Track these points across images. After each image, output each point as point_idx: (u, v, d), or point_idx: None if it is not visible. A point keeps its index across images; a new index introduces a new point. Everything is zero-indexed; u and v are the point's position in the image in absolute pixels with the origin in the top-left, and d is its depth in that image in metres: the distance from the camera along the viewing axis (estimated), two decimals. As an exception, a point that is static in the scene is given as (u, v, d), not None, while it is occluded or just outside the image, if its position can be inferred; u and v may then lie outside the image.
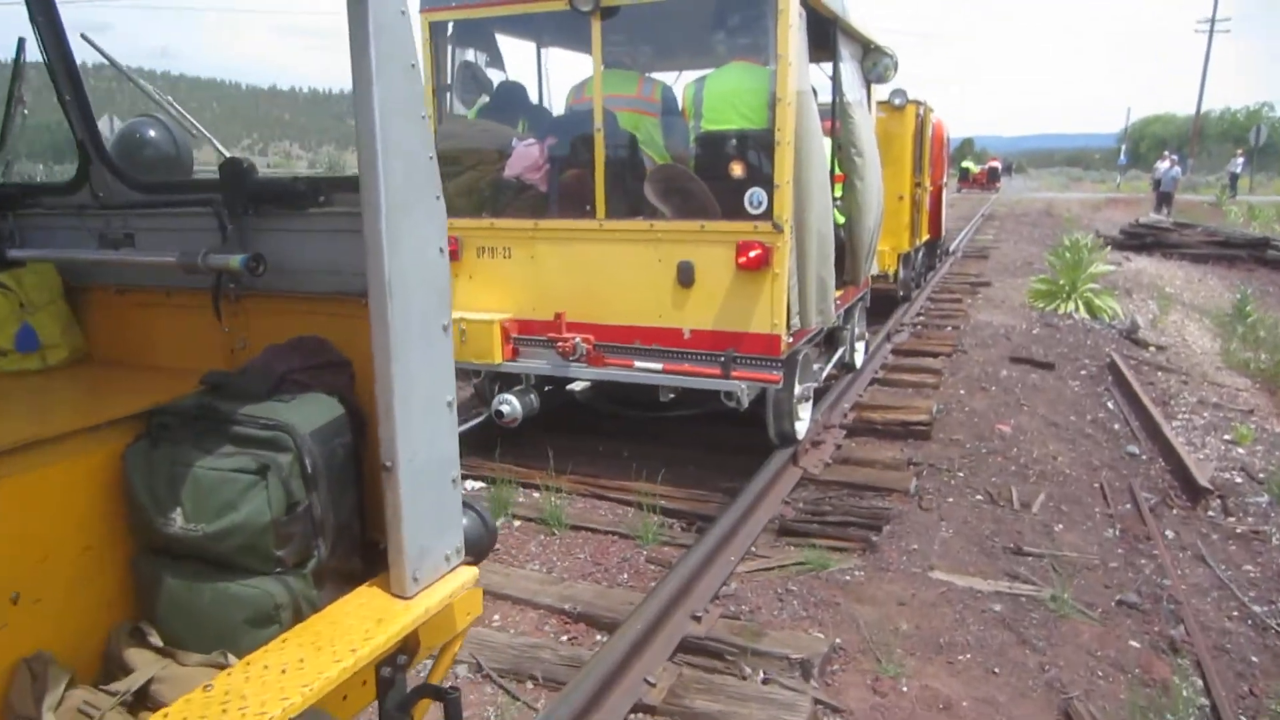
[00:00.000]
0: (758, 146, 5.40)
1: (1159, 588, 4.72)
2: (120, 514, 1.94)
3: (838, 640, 3.82)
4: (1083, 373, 9.14)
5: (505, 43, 6.48)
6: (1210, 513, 5.91)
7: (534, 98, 6.64)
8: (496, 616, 4.09)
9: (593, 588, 4.36)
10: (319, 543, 1.87)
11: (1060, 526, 5.29)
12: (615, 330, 5.58)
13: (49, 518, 1.85)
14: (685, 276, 5.36)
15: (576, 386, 6.76)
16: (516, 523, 5.19)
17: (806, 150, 5.28)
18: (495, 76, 6.38)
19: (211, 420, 1.86)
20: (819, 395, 6.92)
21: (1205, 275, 18.39)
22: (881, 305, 11.31)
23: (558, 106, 6.47)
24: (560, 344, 5.54)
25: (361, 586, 1.87)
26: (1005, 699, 3.54)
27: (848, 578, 4.43)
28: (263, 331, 2.18)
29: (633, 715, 3.28)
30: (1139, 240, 21.27)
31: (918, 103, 11.78)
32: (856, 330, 8.20)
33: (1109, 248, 18.23)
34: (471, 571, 1.99)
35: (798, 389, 5.87)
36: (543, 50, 6.90)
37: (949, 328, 11.03)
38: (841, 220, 6.81)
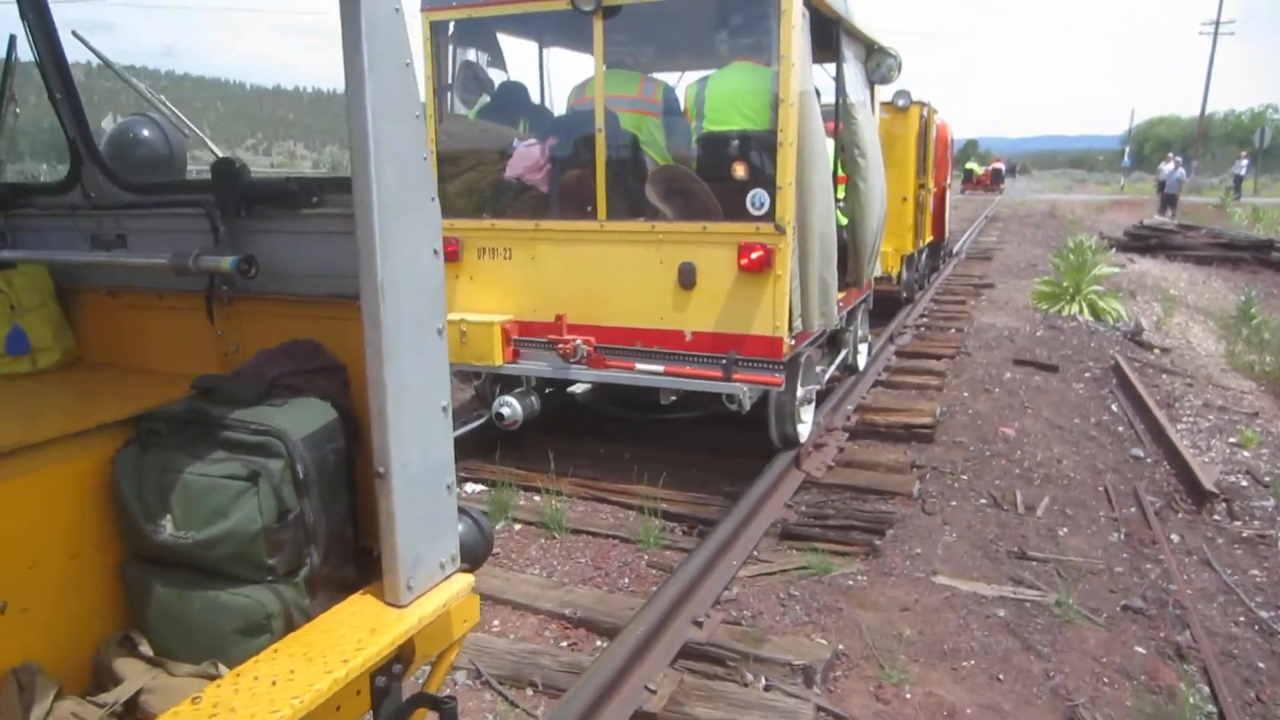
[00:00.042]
0: (760, 147, 5.37)
1: (1165, 593, 4.68)
2: (110, 521, 1.90)
3: (840, 646, 3.78)
4: (1087, 375, 9.09)
5: (507, 42, 6.45)
6: (1216, 516, 5.87)
7: (535, 98, 6.61)
8: (496, 622, 4.06)
9: (593, 592, 4.32)
10: (311, 550, 1.83)
11: (1065, 530, 5.24)
12: (616, 332, 5.55)
13: (37, 524, 1.82)
14: (687, 278, 5.32)
15: (578, 388, 6.73)
16: (517, 526, 5.16)
17: (809, 151, 5.25)
18: (496, 76, 6.34)
19: (202, 425, 1.83)
20: (822, 397, 6.88)
21: (1209, 277, 18.34)
22: (885, 307, 11.27)
23: (559, 107, 6.44)
24: (561, 346, 5.51)
25: (355, 595, 1.84)
26: (1010, 706, 3.50)
27: (850, 582, 4.39)
28: (256, 335, 2.15)
29: (633, 722, 3.24)
30: (1143, 242, 21.22)
31: (922, 104, 11.74)
32: (859, 332, 8.17)
33: (1113, 249, 18.17)
34: (467, 579, 1.96)
35: (800, 391, 5.84)
36: (544, 50, 6.87)
37: (952, 329, 11.00)
38: (844, 222, 6.77)
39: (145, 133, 2.38)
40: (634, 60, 6.44)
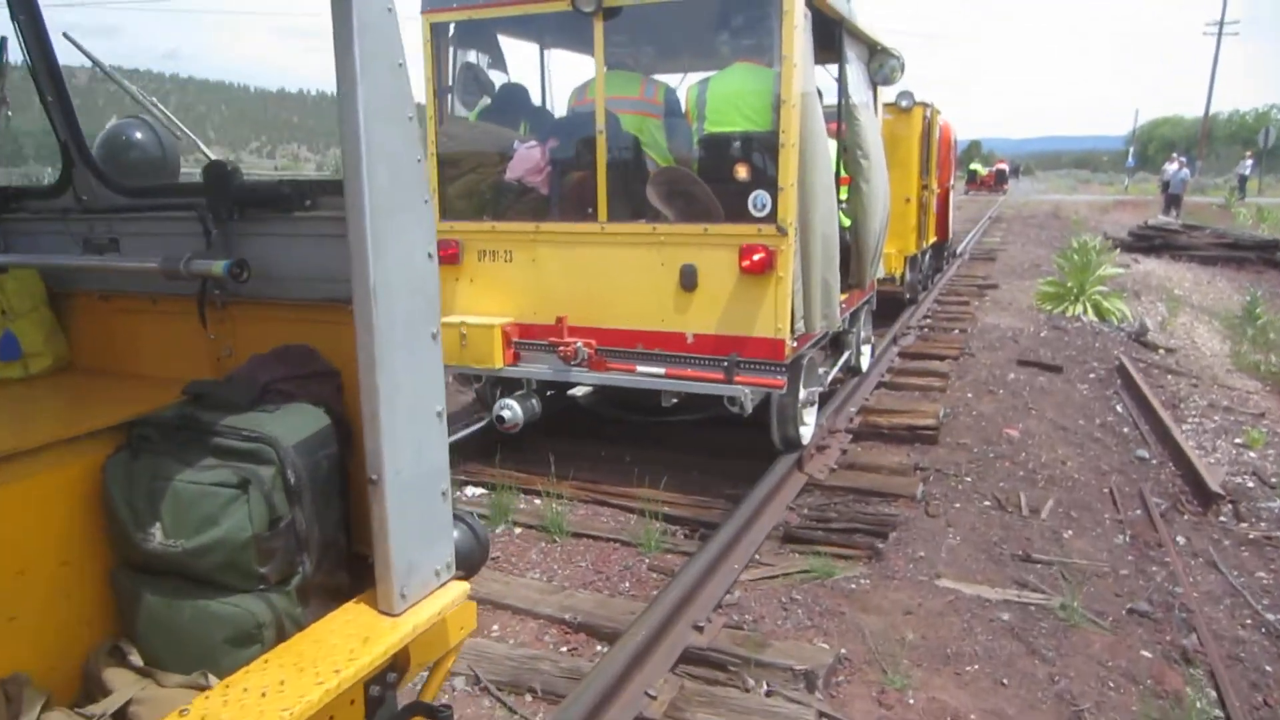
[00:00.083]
0: (762, 149, 5.34)
1: (1171, 596, 4.64)
2: (100, 528, 1.88)
3: (843, 651, 3.75)
4: (1091, 376, 9.05)
5: (507, 44, 6.43)
6: (1222, 518, 5.84)
7: (536, 100, 6.59)
8: (496, 627, 4.03)
9: (594, 597, 4.29)
10: (303, 558, 1.81)
11: (1069, 533, 5.21)
12: (617, 334, 5.52)
13: (26, 531, 1.79)
14: (688, 280, 5.30)
15: (579, 391, 6.71)
16: (517, 530, 5.13)
17: (811, 152, 5.22)
18: (497, 78, 6.33)
19: (193, 431, 1.80)
20: (825, 399, 6.85)
21: (1214, 277, 18.29)
22: (888, 308, 11.25)
23: (560, 108, 6.42)
24: (562, 348, 5.48)
25: (348, 603, 1.81)
26: (1014, 711, 3.47)
27: (853, 586, 4.36)
28: (250, 339, 2.12)
29: (633, 729, 3.22)
30: (1147, 242, 21.18)
31: (925, 104, 11.71)
32: (862, 334, 8.14)
33: (1117, 250, 18.11)
34: (463, 586, 1.93)
35: (802, 394, 5.81)
36: (545, 52, 6.85)
37: (956, 330, 10.96)
38: (847, 223, 6.75)
39: (138, 135, 2.35)
40: (635, 61, 6.41)
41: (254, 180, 2.06)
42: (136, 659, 1.84)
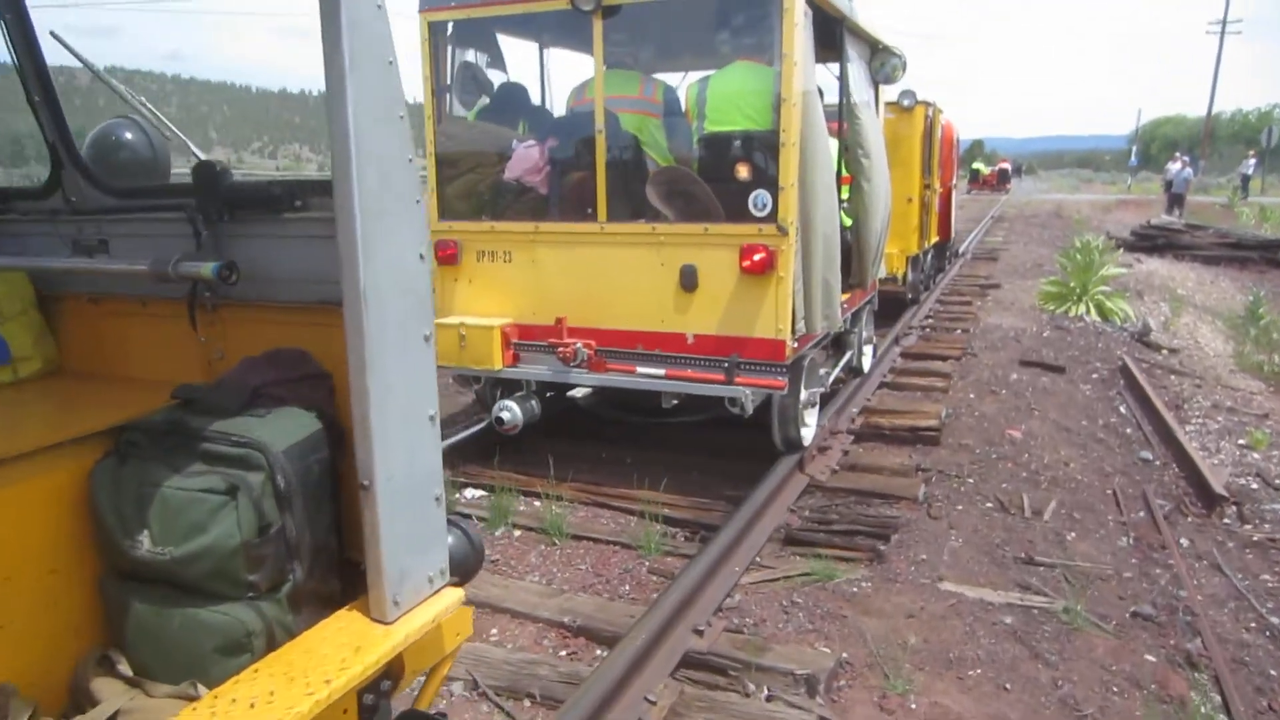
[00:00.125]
0: (762, 148, 5.31)
1: (1174, 599, 4.61)
2: (89, 535, 1.85)
3: (844, 655, 3.72)
4: (1094, 376, 9.01)
5: (506, 43, 6.40)
6: (1226, 520, 5.80)
7: (535, 99, 6.56)
8: (494, 630, 4.00)
9: (593, 600, 4.26)
10: (294, 565, 1.77)
11: (1073, 535, 5.17)
12: (617, 335, 5.49)
13: (13, 539, 1.76)
14: (688, 280, 5.26)
15: (578, 392, 6.68)
16: (517, 532, 5.10)
17: (812, 151, 5.19)
18: (496, 77, 6.29)
19: (181, 437, 1.77)
20: (826, 400, 6.82)
21: (1217, 277, 18.24)
22: (890, 308, 11.21)
23: (559, 108, 6.39)
24: (561, 349, 5.45)
25: (340, 611, 1.78)
26: (1017, 716, 3.44)
27: (855, 589, 4.33)
28: (241, 342, 2.09)
29: (632, 735, 3.19)
30: (1150, 242, 21.14)
31: (927, 104, 11.68)
32: (864, 334, 8.10)
33: (1120, 249, 18.09)
34: (457, 593, 1.90)
35: (803, 394, 5.77)
36: (544, 51, 6.82)
37: (958, 331, 10.93)
38: (848, 223, 6.71)
39: (128, 136, 2.32)
40: (634, 60, 6.39)
41: (243, 181, 2.03)
42: (126, 668, 1.80)
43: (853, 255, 6.76)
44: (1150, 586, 4.71)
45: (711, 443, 6.31)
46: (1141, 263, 18.65)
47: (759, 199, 5.10)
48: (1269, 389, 9.92)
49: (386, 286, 1.65)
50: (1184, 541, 5.39)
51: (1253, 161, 39.67)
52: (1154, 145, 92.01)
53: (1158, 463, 6.77)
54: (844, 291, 6.13)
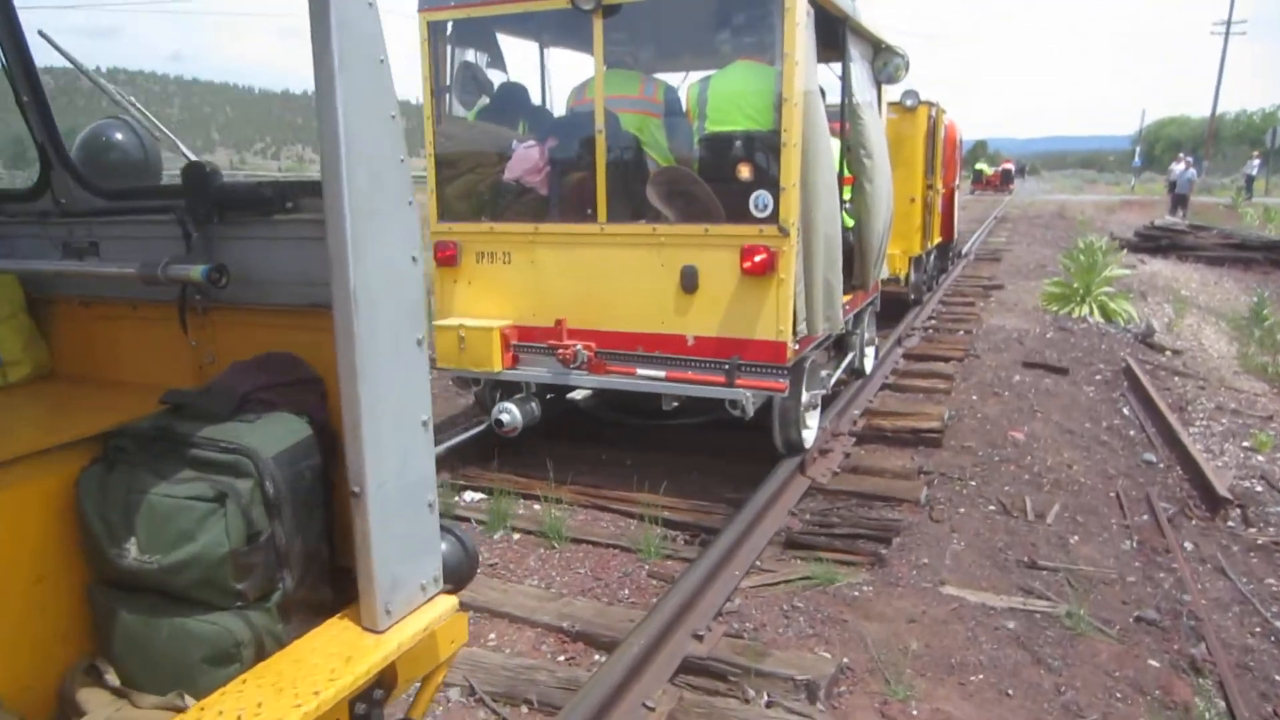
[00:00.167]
0: (764, 148, 5.28)
1: (1179, 603, 4.57)
2: (76, 543, 1.82)
3: (845, 660, 3.68)
4: (1097, 378, 8.98)
5: (506, 43, 6.37)
6: (1230, 523, 5.77)
7: (535, 99, 6.53)
8: (493, 635, 3.97)
9: (592, 604, 4.22)
10: (284, 574, 1.74)
11: (1076, 538, 5.14)
12: (617, 337, 5.46)
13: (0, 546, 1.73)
14: (689, 282, 5.23)
15: (578, 394, 6.65)
16: (516, 536, 5.07)
17: (814, 152, 5.16)
18: (496, 77, 6.26)
19: (169, 443, 1.74)
20: (828, 401, 6.79)
21: (1221, 278, 18.20)
22: (892, 309, 11.18)
23: (559, 108, 6.36)
24: (561, 351, 5.43)
25: (331, 619, 1.76)
26: (1019, 723, 3.40)
27: (856, 593, 4.30)
28: (233, 345, 2.07)
29: (630, 741, 3.16)
30: (1154, 243, 21.11)
31: (930, 104, 11.65)
32: (866, 335, 8.06)
33: (1124, 250, 18.06)
34: (450, 601, 1.87)
35: (805, 397, 5.74)
36: (544, 50, 6.80)
37: (961, 332, 10.89)
38: (850, 224, 6.68)
39: (118, 137, 2.29)
40: (635, 60, 6.36)
41: (233, 181, 2.00)
42: (113, 678, 1.78)
43: (855, 256, 6.73)
44: (1154, 591, 4.67)
45: (712, 445, 6.28)
46: (1145, 264, 18.63)
47: (760, 200, 5.06)
48: (1273, 391, 9.88)
49: (377, 289, 1.62)
50: (1188, 545, 5.35)
51: (1257, 162, 39.60)
52: (1158, 146, 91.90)
53: (1161, 465, 6.73)
54: (846, 293, 6.09)
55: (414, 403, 1.76)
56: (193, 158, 2.03)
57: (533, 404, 5.77)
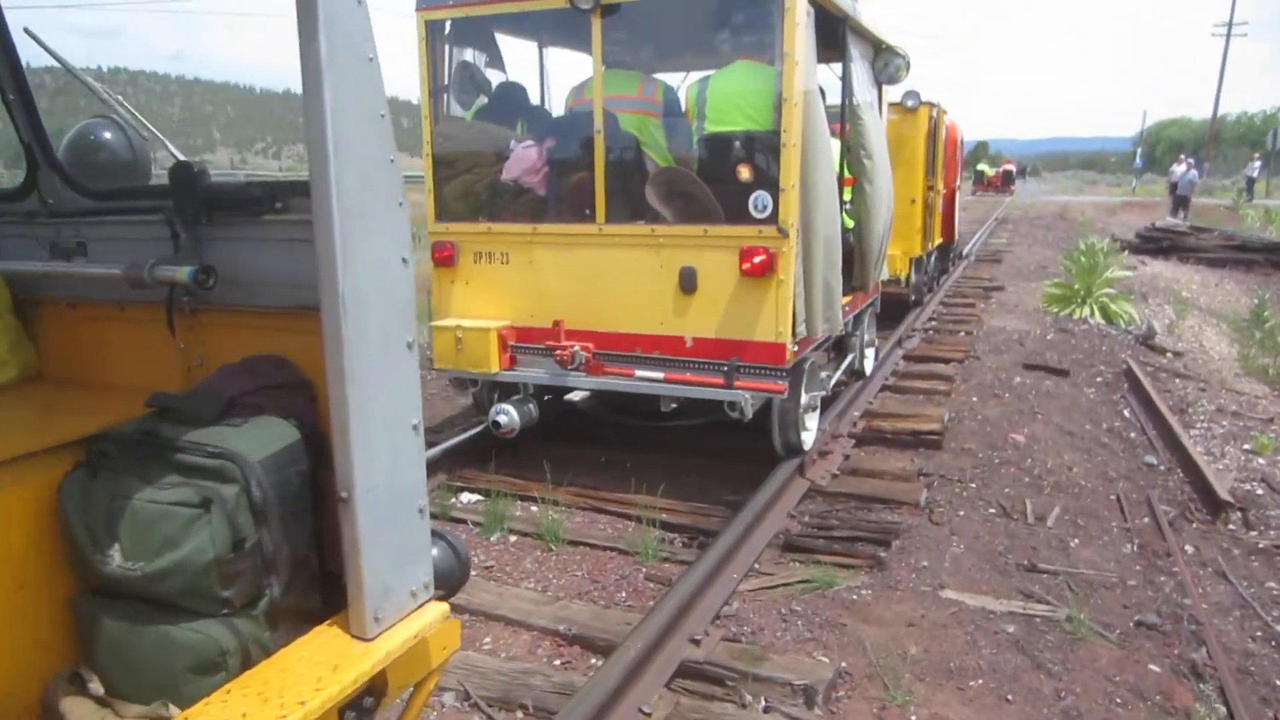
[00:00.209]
0: (763, 148, 5.25)
1: (1179, 607, 4.54)
2: (59, 550, 1.79)
3: (843, 664, 3.66)
4: (1098, 379, 8.94)
5: (504, 42, 6.34)
6: (1231, 526, 5.74)
7: (534, 99, 6.50)
8: (488, 639, 3.94)
9: (589, 608, 4.20)
10: (271, 581, 1.71)
11: (1076, 541, 5.11)
12: (615, 338, 5.44)
13: None
14: (687, 283, 5.21)
15: (576, 395, 6.62)
16: (513, 538, 5.04)
17: (813, 152, 5.13)
18: (494, 77, 6.23)
19: (154, 448, 1.71)
20: (827, 403, 6.76)
21: (1222, 280, 18.16)
22: (893, 310, 11.15)
23: (558, 108, 6.33)
24: (559, 352, 5.40)
25: (319, 627, 1.73)
26: (1019, 729, 3.37)
27: (854, 597, 4.27)
28: (222, 348, 2.04)
29: (626, 747, 3.13)
30: (1155, 244, 21.08)
31: (931, 104, 11.62)
32: (866, 336, 8.03)
33: (1125, 252, 18.03)
34: (441, 608, 1.84)
35: (804, 398, 5.71)
36: (543, 50, 6.77)
37: (961, 333, 10.86)
38: (850, 224, 6.65)
39: (106, 136, 2.26)
40: (634, 60, 6.33)
41: (222, 181, 1.97)
42: (97, 687, 1.75)
43: (855, 257, 6.70)
44: (1155, 594, 4.64)
45: (710, 446, 6.25)
46: (1146, 265, 18.59)
47: (759, 200, 5.04)
48: (1274, 393, 9.85)
49: (367, 291, 1.59)
50: (1189, 548, 5.32)
51: (1258, 164, 39.59)
52: (1159, 147, 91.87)
53: (1162, 468, 6.70)
54: (845, 294, 6.07)
55: (404, 406, 1.73)
56: (181, 157, 2.01)
57: (530, 405, 5.75)
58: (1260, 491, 6.34)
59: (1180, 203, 30.90)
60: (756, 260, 5.01)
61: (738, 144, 5.39)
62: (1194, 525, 5.73)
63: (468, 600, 4.15)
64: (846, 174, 6.50)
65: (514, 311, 5.68)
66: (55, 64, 2.30)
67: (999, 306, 13.03)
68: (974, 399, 7.68)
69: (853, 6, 5.95)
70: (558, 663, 3.78)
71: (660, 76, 6.16)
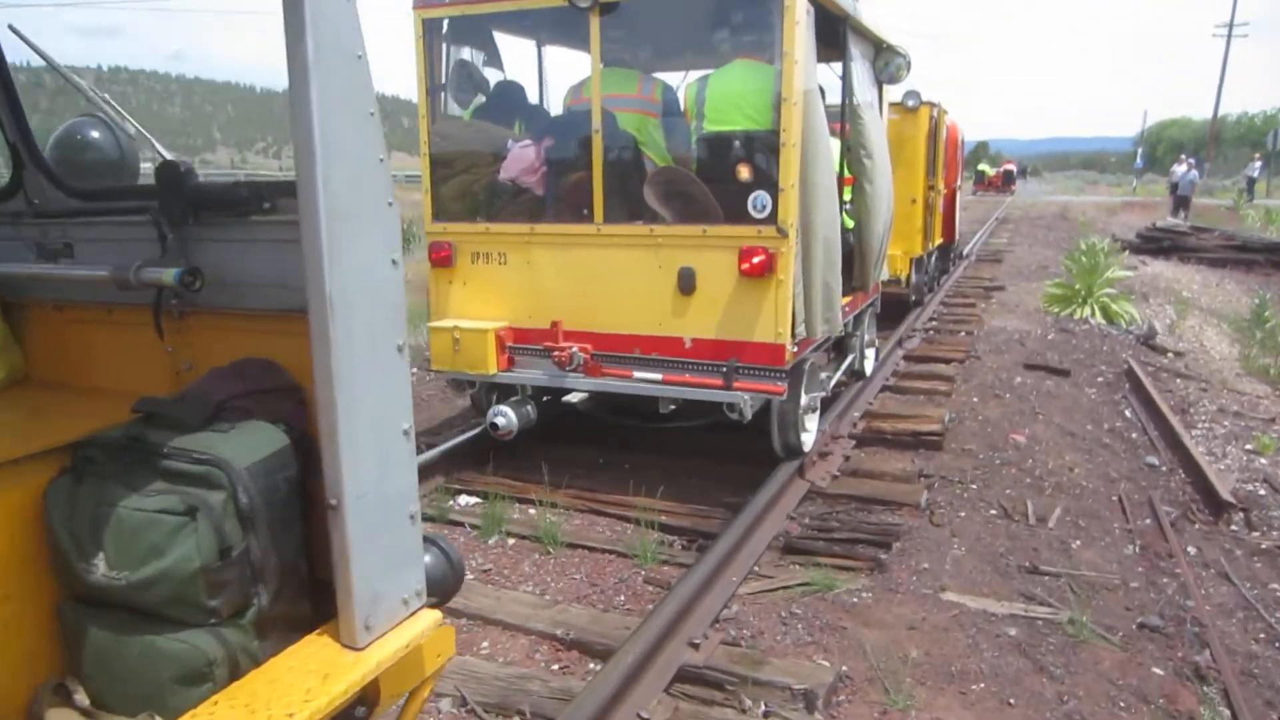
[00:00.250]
0: (762, 148, 5.22)
1: (1182, 609, 4.50)
2: (44, 558, 1.75)
3: (844, 668, 3.62)
4: (1099, 380, 8.91)
5: (502, 40, 6.31)
6: (1233, 527, 5.70)
7: (532, 98, 6.47)
8: (486, 644, 3.90)
9: (587, 611, 4.16)
10: (259, 589, 1.68)
11: (1078, 543, 5.07)
12: (613, 339, 5.40)
13: None
14: (686, 283, 5.17)
15: (575, 397, 6.59)
16: (510, 541, 5.01)
17: (813, 152, 5.10)
18: (492, 76, 6.20)
19: (140, 454, 1.68)
20: (827, 404, 6.73)
21: (1223, 279, 18.14)
22: (893, 310, 11.12)
23: (556, 107, 6.30)
24: (557, 353, 5.36)
25: (309, 636, 1.70)
26: (1021, 734, 3.34)
27: (855, 599, 4.23)
28: (210, 351, 2.00)
29: (624, 754, 3.09)
30: (1156, 244, 21.07)
31: (931, 104, 11.59)
32: (866, 337, 8.00)
33: (1125, 252, 18.01)
34: (434, 615, 1.82)
35: (804, 400, 5.68)
36: (541, 49, 6.74)
37: (962, 333, 10.83)
38: (850, 225, 6.62)
39: (94, 135, 2.22)
40: (632, 58, 6.30)
41: (209, 181, 1.94)
42: (83, 698, 1.72)
43: (854, 257, 6.67)
44: (1157, 596, 4.61)
45: (710, 448, 6.22)
46: (1147, 265, 18.57)
47: (759, 200, 5.00)
48: (1275, 393, 9.81)
49: (355, 293, 1.56)
50: (1191, 549, 5.29)
51: (1258, 164, 39.58)
52: (1160, 147, 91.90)
53: (1164, 468, 6.67)
54: (845, 294, 6.04)
55: (394, 410, 1.70)
56: (168, 156, 1.97)
57: (528, 407, 5.71)
58: (1262, 492, 6.30)
59: (1181, 203, 30.89)
60: (756, 260, 4.98)
61: (737, 143, 5.36)
62: (1196, 526, 5.69)
63: (465, 604, 4.12)
64: (847, 174, 6.47)
65: (512, 312, 5.65)
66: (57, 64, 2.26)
67: (1000, 306, 13.00)
68: (975, 399, 7.65)
69: (853, 5, 5.92)
70: (556, 667, 3.74)
71: (659, 75, 6.13)
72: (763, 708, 3.32)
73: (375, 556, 1.65)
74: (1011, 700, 3.52)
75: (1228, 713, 3.72)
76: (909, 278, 11.67)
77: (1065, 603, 4.33)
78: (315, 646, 1.66)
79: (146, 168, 2.33)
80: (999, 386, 8.06)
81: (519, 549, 4.91)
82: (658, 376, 5.33)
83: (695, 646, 3.66)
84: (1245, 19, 58.02)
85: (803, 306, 5.28)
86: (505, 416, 5.54)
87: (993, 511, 5.39)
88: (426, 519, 5.22)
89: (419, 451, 5.84)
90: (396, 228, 1.67)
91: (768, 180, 5.06)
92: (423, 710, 2.57)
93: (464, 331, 5.51)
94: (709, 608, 3.99)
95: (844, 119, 6.23)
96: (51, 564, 1.74)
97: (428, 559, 1.87)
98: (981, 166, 55.37)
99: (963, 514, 5.29)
